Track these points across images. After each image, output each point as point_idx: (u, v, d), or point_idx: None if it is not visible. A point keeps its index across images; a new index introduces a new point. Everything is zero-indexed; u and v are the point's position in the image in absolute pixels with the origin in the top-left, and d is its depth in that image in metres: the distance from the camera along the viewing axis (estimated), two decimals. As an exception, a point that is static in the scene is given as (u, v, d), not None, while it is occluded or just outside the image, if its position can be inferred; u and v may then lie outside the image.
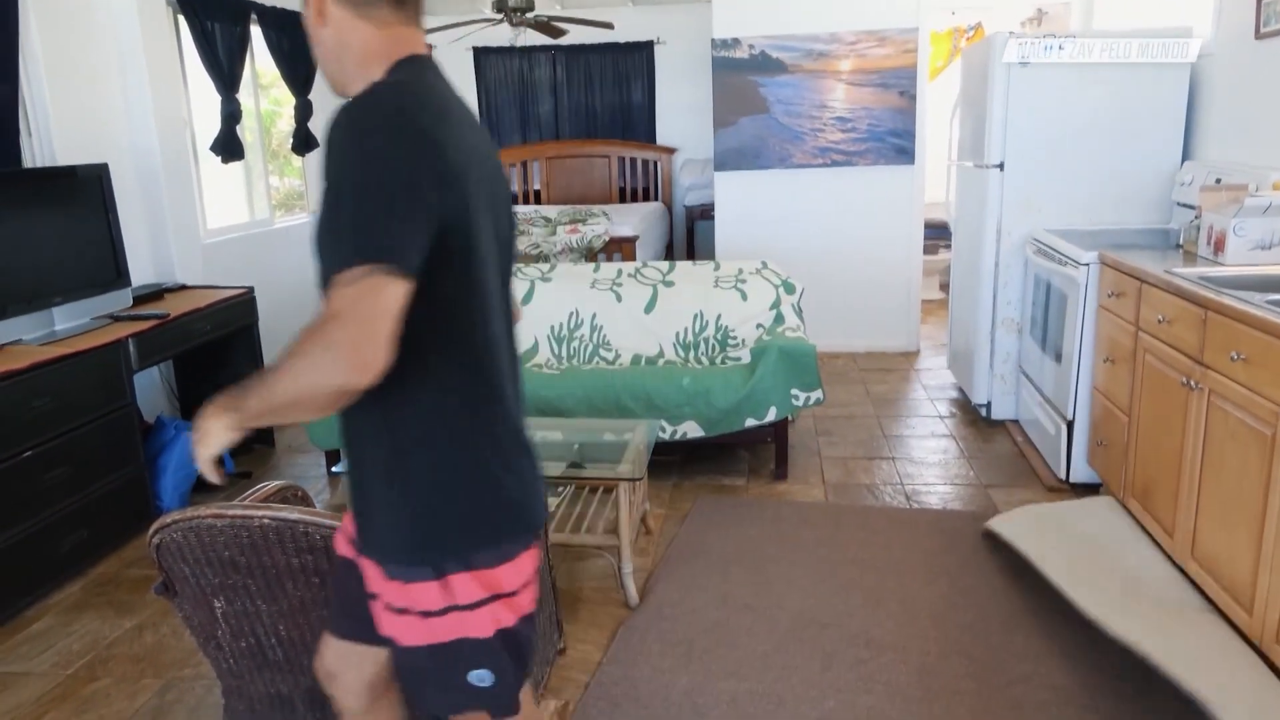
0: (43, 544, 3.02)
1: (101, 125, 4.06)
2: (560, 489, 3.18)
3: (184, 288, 4.25)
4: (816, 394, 3.75)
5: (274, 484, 2.03)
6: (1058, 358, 3.64)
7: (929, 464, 3.93)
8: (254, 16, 5.13)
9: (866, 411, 4.63)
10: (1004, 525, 3.16)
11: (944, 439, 4.22)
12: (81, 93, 3.95)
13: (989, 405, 4.36)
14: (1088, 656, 2.48)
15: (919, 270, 5.72)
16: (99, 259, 3.61)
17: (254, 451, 4.32)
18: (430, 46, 1.41)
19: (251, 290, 4.23)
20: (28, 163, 3.68)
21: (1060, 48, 3.88)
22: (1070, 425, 3.53)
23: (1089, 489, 3.51)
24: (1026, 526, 3.13)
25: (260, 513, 1.64)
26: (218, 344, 4.08)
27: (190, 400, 4.35)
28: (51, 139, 3.77)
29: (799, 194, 5.67)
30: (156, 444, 3.65)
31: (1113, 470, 3.24)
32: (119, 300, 3.67)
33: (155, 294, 3.99)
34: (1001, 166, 4.06)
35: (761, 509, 3.53)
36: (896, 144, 5.53)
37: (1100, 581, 2.72)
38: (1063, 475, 3.59)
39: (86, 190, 3.58)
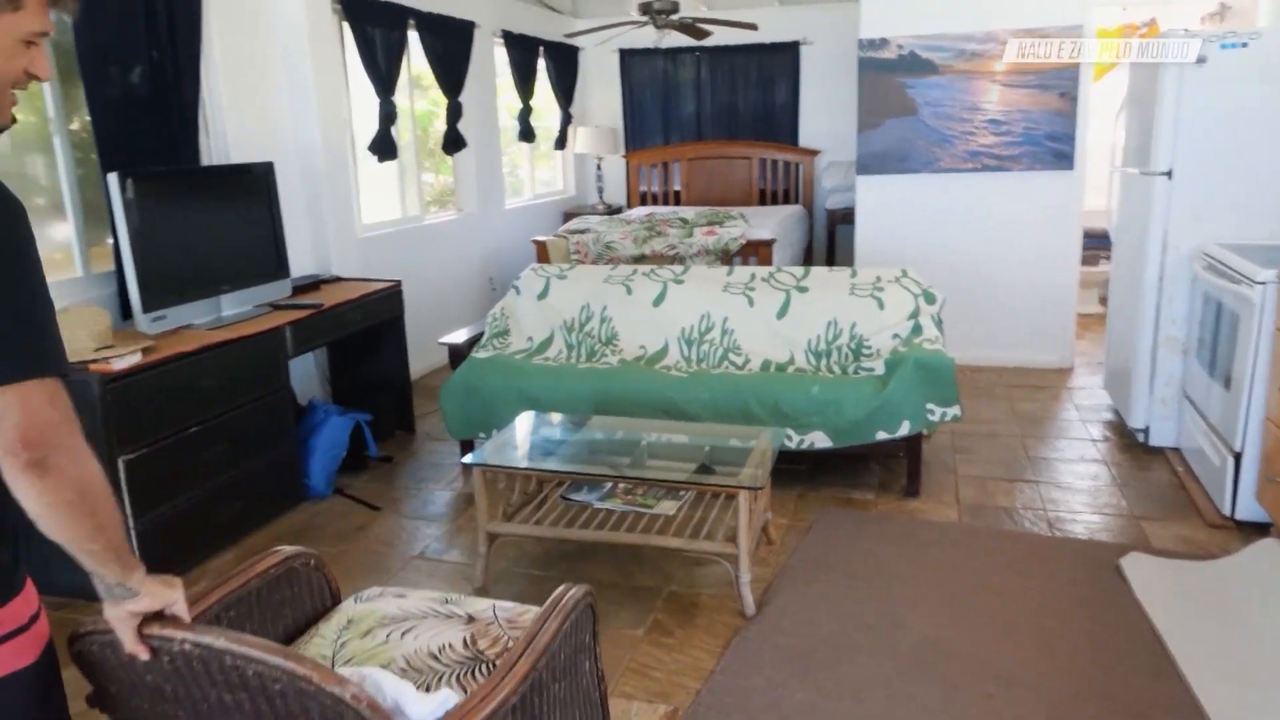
0: (203, 513, 3.25)
1: (270, 126, 4.34)
2: (682, 493, 3.17)
3: (338, 279, 4.49)
4: (954, 409, 3.59)
5: (285, 550, 1.86)
6: (1226, 383, 3.35)
7: (1076, 490, 3.70)
8: (412, 21, 5.36)
9: (1010, 430, 4.41)
10: (1135, 567, 2.95)
11: (1095, 464, 3.96)
12: (253, 95, 4.23)
13: (1147, 430, 4.07)
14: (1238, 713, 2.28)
15: (1075, 282, 5.40)
16: (263, 251, 3.86)
17: (396, 437, 4.52)
18: None
19: (399, 284, 4.43)
20: (204, 161, 3.98)
21: (1244, 45, 3.57)
22: (1238, 457, 3.25)
23: (1256, 528, 3.22)
24: (1161, 571, 2.90)
25: (182, 635, 1.32)
26: (368, 333, 4.30)
27: (341, 385, 4.59)
28: (226, 139, 4.06)
29: (946, 199, 5.46)
30: (308, 426, 3.87)
31: (1286, 509, 2.96)
32: (279, 290, 3.92)
33: (312, 284, 4.24)
34: (1170, 174, 3.77)
35: (890, 525, 3.42)
36: (1054, 148, 5.24)
37: (1222, 647, 2.50)
38: (1227, 511, 3.31)
39: (255, 187, 3.85)
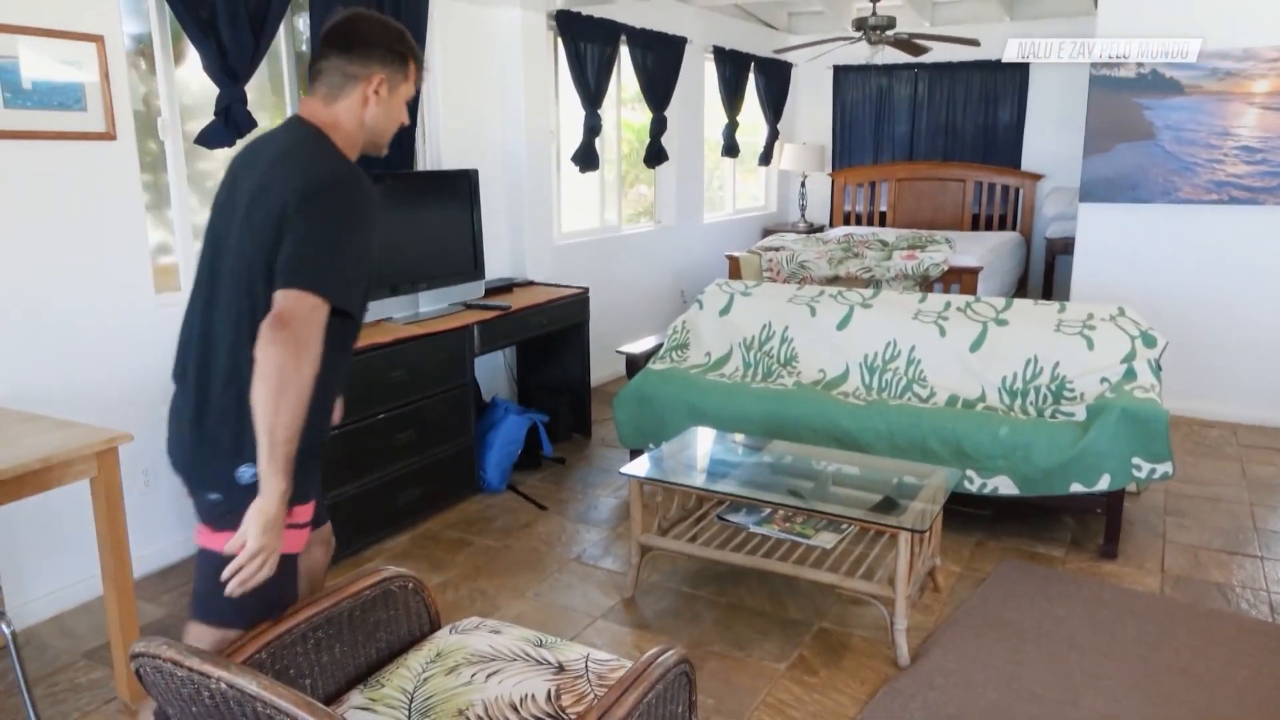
0: (385, 496, 3.47)
1: (480, 134, 4.58)
2: (844, 527, 3.03)
3: (531, 283, 4.67)
4: (1165, 467, 3.22)
5: (385, 571, 1.88)
6: None
7: (1312, 572, 3.21)
8: (624, 37, 5.50)
9: (1238, 495, 3.89)
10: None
11: (1340, 545, 3.43)
12: (468, 105, 4.49)
13: None
14: None
15: (1338, 334, 4.70)
16: (461, 252, 4.08)
17: (571, 440, 4.63)
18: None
19: (586, 290, 4.54)
20: (419, 165, 4.26)
21: None
22: None
23: None
24: None
25: (219, 673, 1.29)
26: (553, 336, 4.44)
27: (525, 385, 4.77)
28: (440, 145, 4.33)
29: (1182, 233, 4.92)
30: (488, 421, 4.04)
31: None
32: (473, 290, 4.12)
33: (505, 287, 4.43)
34: None
35: (1077, 587, 3.11)
36: (1322, 181, 4.59)
37: None
38: None
39: (459, 191, 4.07)
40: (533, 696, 1.70)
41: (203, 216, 3.56)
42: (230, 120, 3.22)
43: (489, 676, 1.77)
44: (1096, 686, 2.54)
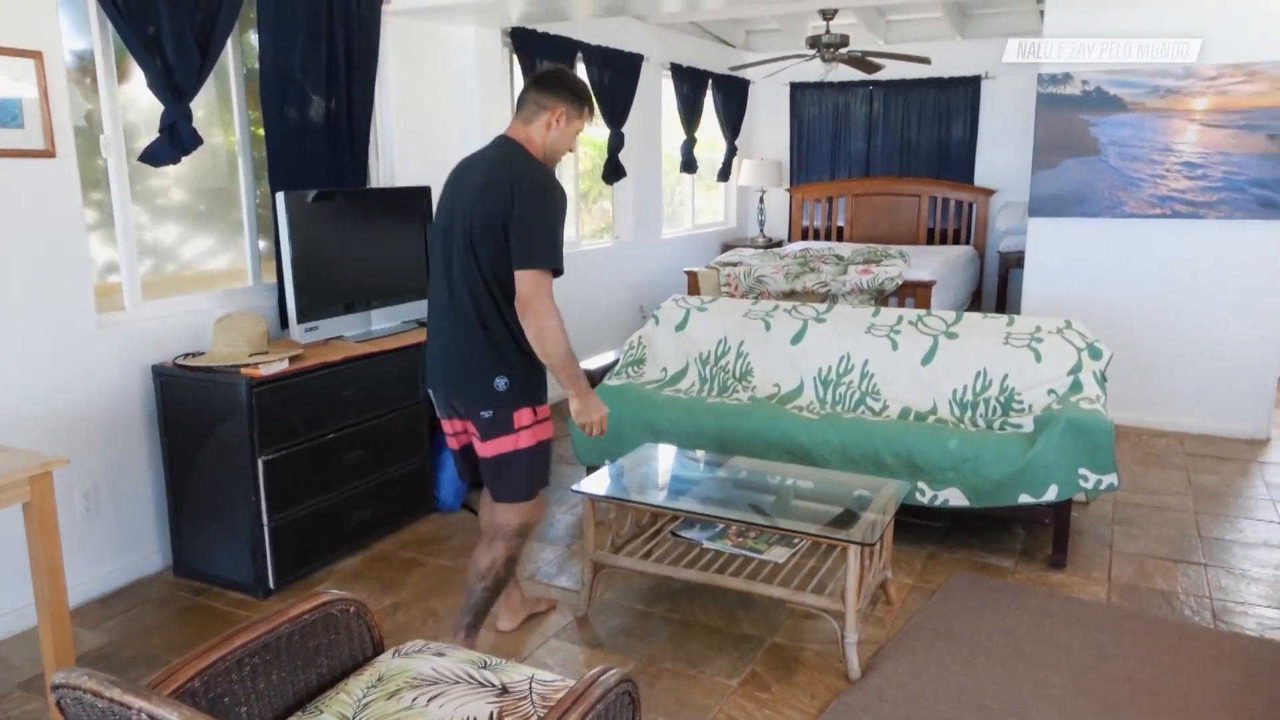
0: (336, 516, 3.42)
1: (436, 152, 4.55)
2: (796, 541, 3.04)
3: (487, 300, 4.64)
4: (1110, 478, 3.27)
5: (326, 595, 1.85)
6: None
7: (1252, 579, 3.27)
8: (580, 54, 5.52)
9: (1183, 504, 3.97)
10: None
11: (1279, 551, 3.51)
12: (423, 123, 4.47)
13: (1350, 518, 3.56)
14: None
15: (1278, 344, 4.82)
16: (415, 269, 4.05)
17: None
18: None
19: (542, 307, 4.53)
20: (372, 182, 4.23)
21: None
22: None
23: None
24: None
25: (140, 704, 1.26)
26: (508, 354, 4.41)
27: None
28: (394, 162, 4.31)
29: (1128, 247, 5.02)
30: (441, 440, 4.00)
31: None
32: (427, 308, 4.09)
33: (460, 304, 4.39)
34: (1393, 229, 3.30)
35: (1026, 598, 3.14)
36: (1261, 195, 4.72)
37: None
38: None
39: (411, 209, 4.04)
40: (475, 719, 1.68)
41: (153, 234, 3.51)
42: (176, 137, 3.18)
43: (430, 700, 1.74)
44: (1044, 697, 2.56)
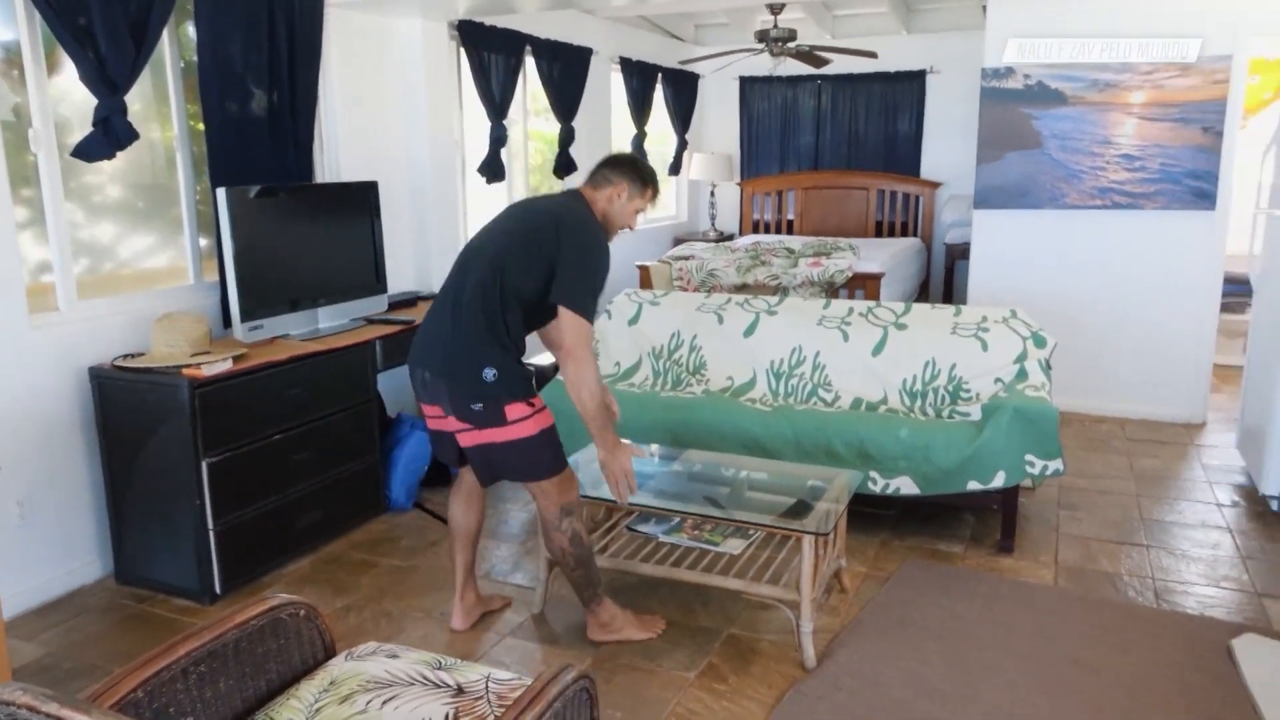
0: (284, 519, 3.35)
1: (382, 146, 4.49)
2: (751, 533, 3.06)
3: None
4: (1055, 464, 3.34)
5: (273, 599, 1.82)
6: (1376, 453, 2.98)
7: (1193, 559, 3.37)
8: (529, 48, 5.47)
9: (1125, 488, 4.07)
10: (1248, 650, 2.63)
11: (1218, 531, 3.61)
12: (369, 117, 4.39)
13: (1282, 498, 3.68)
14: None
15: (1213, 330, 4.97)
16: (363, 266, 3.99)
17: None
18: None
19: (494, 303, 4.48)
20: (318, 177, 4.15)
21: None
22: (1386, 537, 2.88)
23: (1406, 619, 2.84)
24: (1277, 659, 2.59)
25: (79, 718, 1.21)
26: (459, 351, 4.36)
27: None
28: (339, 157, 4.23)
29: (1070, 238, 5.13)
30: (393, 438, 3.95)
31: None
32: (376, 305, 4.03)
33: (410, 301, 4.34)
34: (1320, 218, 3.41)
35: (977, 583, 3.20)
36: (1195, 186, 4.85)
37: None
38: (1370, 597, 2.94)
39: (358, 204, 3.97)
40: None
41: (89, 232, 3.40)
42: (110, 131, 3.08)
43: (385, 703, 1.71)
44: (996, 680, 2.61)
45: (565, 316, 2.52)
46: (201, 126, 3.55)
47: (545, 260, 2.55)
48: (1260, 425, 3.85)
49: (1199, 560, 3.35)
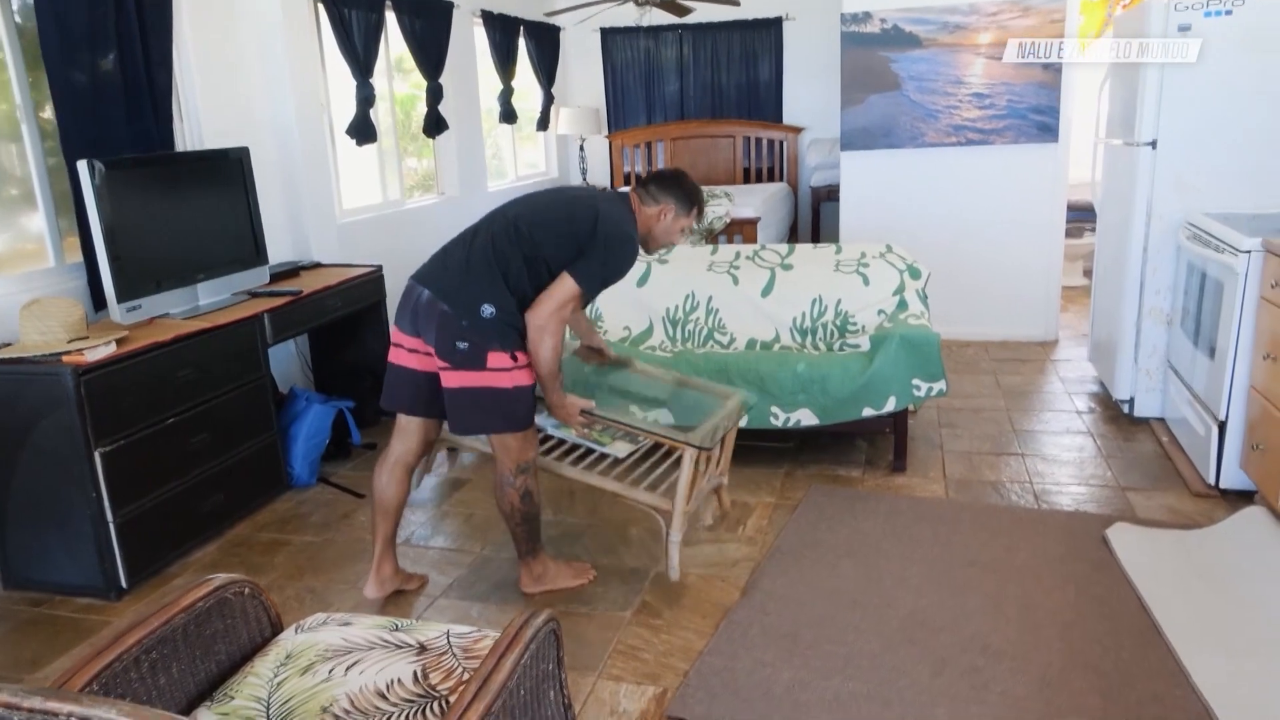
0: (185, 505, 3.21)
1: (245, 110, 4.27)
2: (640, 440, 3.11)
3: (318, 266, 4.44)
4: (939, 385, 3.58)
5: (215, 579, 1.78)
6: (1211, 353, 3.35)
7: (1062, 462, 3.70)
8: (389, 3, 5.28)
9: (996, 404, 4.41)
10: (1121, 537, 2.95)
11: (1080, 436, 3.97)
12: (227, 80, 4.16)
13: (1132, 402, 4.07)
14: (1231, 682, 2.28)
15: (1060, 255, 5.39)
16: (240, 238, 3.80)
17: (380, 424, 4.47)
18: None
19: (380, 269, 4.38)
20: (179, 146, 3.91)
21: (1228, 12, 3.54)
22: (1223, 426, 3.25)
23: (1241, 496, 3.23)
24: (1147, 541, 2.91)
25: (69, 709, 1.14)
26: (349, 319, 4.25)
27: (323, 373, 4.55)
28: (200, 124, 4.00)
29: (931, 174, 5.43)
30: (289, 414, 3.83)
31: (1269, 477, 2.96)
32: (257, 277, 3.86)
33: (292, 271, 4.18)
34: (1154, 144, 3.75)
35: (877, 502, 3.41)
36: (1039, 121, 5.21)
37: (1209, 615, 2.52)
38: (1212, 480, 3.31)
39: (230, 173, 3.78)
40: (399, 680, 1.66)
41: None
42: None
43: (348, 669, 1.71)
44: (906, 587, 2.81)
45: (566, 280, 2.58)
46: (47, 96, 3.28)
47: (576, 240, 2.61)
48: (1109, 339, 4.23)
49: (1068, 463, 3.69)
